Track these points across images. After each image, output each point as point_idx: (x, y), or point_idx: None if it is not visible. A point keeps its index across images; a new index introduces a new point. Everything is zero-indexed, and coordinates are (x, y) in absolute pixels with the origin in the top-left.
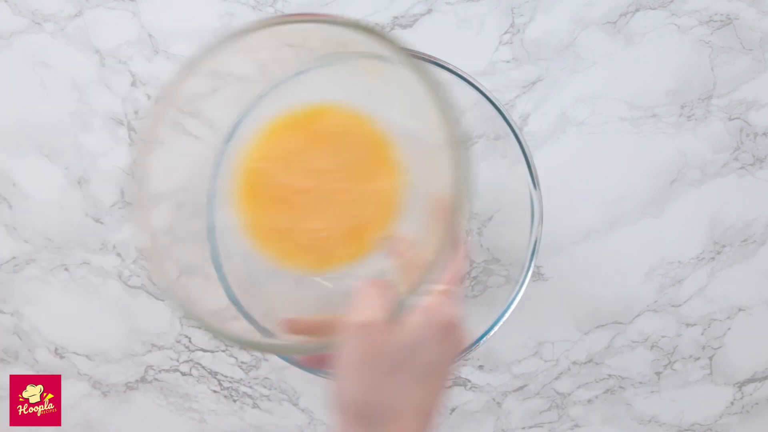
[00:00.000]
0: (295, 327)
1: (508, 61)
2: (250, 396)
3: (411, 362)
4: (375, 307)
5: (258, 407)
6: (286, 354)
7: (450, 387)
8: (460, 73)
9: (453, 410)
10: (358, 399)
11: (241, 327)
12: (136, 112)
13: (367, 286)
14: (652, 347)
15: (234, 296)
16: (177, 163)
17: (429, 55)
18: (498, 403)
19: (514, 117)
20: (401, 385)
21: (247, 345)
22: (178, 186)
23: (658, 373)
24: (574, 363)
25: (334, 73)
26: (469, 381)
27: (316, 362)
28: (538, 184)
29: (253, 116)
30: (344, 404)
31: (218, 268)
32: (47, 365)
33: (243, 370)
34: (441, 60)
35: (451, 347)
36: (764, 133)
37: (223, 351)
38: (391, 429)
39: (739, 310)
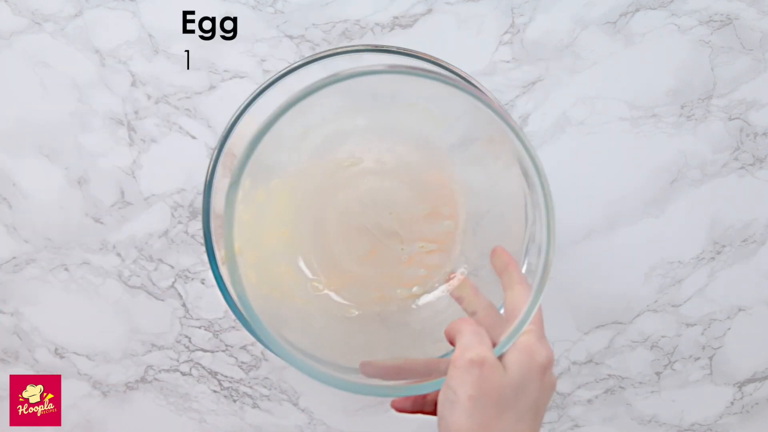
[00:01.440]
0: (369, 371)
1: (508, 61)
2: (250, 396)
3: (518, 400)
4: (484, 344)
5: (258, 407)
6: (386, 395)
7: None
8: (460, 73)
9: None
10: (461, 428)
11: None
12: (136, 112)
13: (468, 325)
14: (652, 347)
15: (232, 303)
16: (172, 163)
17: (429, 55)
18: None
19: (514, 117)
20: (510, 422)
21: (356, 389)
22: (174, 187)
23: (658, 373)
24: (574, 363)
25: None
26: None
27: (410, 406)
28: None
29: (250, 114)
30: None
31: (216, 273)
32: (47, 365)
33: (243, 370)
34: (441, 60)
35: (549, 387)
36: (764, 133)
37: (223, 351)
38: None
39: (739, 310)
